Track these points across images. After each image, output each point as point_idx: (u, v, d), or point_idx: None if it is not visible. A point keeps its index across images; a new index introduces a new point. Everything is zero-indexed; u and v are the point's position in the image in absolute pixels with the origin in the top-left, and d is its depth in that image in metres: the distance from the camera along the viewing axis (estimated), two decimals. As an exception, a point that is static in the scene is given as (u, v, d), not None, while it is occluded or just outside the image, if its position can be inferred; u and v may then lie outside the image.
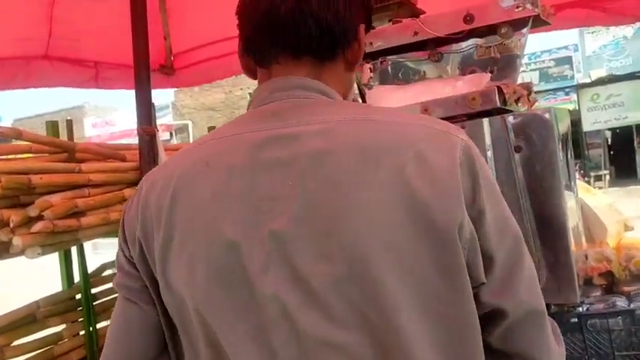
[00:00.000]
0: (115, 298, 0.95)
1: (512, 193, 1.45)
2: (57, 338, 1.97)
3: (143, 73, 1.67)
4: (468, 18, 1.58)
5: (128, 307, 0.88)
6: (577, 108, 17.30)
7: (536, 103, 1.69)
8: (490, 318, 0.80)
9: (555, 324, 0.88)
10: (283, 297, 0.74)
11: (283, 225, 0.75)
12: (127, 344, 0.88)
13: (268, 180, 0.77)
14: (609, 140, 19.49)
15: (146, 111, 1.64)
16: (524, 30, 1.62)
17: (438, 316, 0.74)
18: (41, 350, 1.89)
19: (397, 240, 0.73)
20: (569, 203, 1.51)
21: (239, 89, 19.48)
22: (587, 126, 17.49)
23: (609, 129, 18.56)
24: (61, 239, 1.72)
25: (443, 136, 0.79)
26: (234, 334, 0.77)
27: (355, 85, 2.02)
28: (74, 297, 2.05)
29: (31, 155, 1.83)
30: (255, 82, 0.93)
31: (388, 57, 1.88)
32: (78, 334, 2.04)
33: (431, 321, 0.74)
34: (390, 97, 1.67)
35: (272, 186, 0.76)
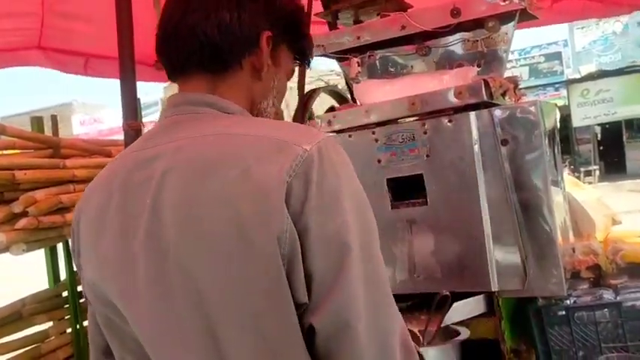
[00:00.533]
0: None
1: (499, 186, 1.45)
2: (43, 336, 1.96)
3: (128, 66, 1.65)
4: (455, 12, 1.57)
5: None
6: (567, 104, 17.39)
7: (524, 97, 1.69)
8: (307, 337, 0.76)
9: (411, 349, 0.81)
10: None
11: (140, 243, 0.79)
12: (99, 342, 0.93)
13: (133, 201, 0.81)
14: (599, 136, 19.62)
15: (131, 105, 1.62)
16: (511, 24, 1.62)
17: (260, 340, 0.74)
18: (27, 348, 1.87)
19: (220, 258, 0.74)
20: (556, 197, 1.52)
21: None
22: (576, 121, 17.61)
23: (599, 124, 18.68)
24: (46, 235, 1.71)
25: (281, 147, 0.76)
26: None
27: (344, 82, 2.02)
28: (60, 294, 2.04)
29: (15, 151, 1.81)
30: None
31: (376, 51, 1.87)
32: (65, 331, 2.02)
33: (253, 342, 0.74)
34: (377, 92, 1.66)
35: (135, 206, 0.81)
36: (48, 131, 1.97)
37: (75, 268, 0.95)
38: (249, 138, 0.79)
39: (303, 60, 1.01)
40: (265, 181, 0.74)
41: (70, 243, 0.95)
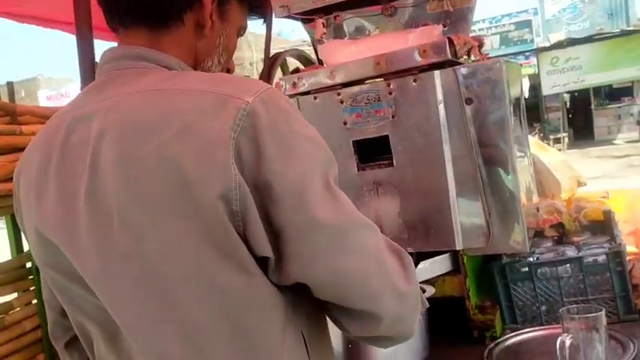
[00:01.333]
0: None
1: (463, 145, 1.45)
2: (8, 307, 1.91)
3: (85, 30, 1.60)
4: (420, -30, 1.55)
5: None
6: (537, 72, 17.55)
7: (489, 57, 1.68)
8: (304, 288, 0.77)
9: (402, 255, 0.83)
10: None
11: (82, 206, 0.76)
12: (55, 305, 0.94)
13: (71, 162, 0.79)
14: (568, 103, 19.89)
15: (89, 70, 1.57)
16: (476, -18, 1.60)
17: (218, 296, 0.74)
18: (-8, 320, 1.83)
19: (165, 218, 0.72)
20: (520, 156, 1.53)
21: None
22: (546, 89, 17.79)
23: (568, 92, 18.92)
24: (5, 203, 1.66)
25: (222, 102, 0.73)
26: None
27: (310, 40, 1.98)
28: (24, 265, 1.99)
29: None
30: None
31: (342, 12, 1.84)
32: (30, 302, 1.98)
33: (212, 301, 0.74)
34: (342, 52, 1.63)
35: (74, 169, 0.78)
36: (5, 99, 1.91)
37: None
38: (188, 93, 0.75)
39: (258, 15, 0.97)
40: (209, 138, 0.71)
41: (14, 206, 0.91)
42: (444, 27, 1.67)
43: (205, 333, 0.74)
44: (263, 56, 2.23)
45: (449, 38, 1.44)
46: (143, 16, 0.84)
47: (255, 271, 0.74)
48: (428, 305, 0.95)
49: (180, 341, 0.75)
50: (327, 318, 0.85)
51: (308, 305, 0.80)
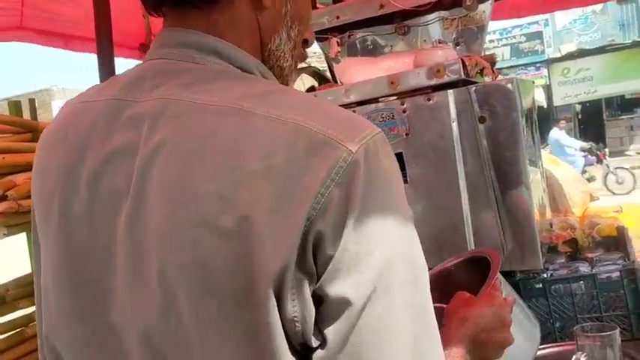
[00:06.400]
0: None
1: (477, 163, 1.47)
2: (27, 320, 1.95)
3: (105, 43, 1.64)
4: (433, -10, 1.58)
5: None
6: (548, 83, 17.52)
7: (501, 75, 1.71)
8: None
9: None
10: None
11: (122, 227, 0.61)
12: None
13: (112, 172, 0.63)
14: (579, 114, 19.80)
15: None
16: (489, 2, 1.63)
17: None
18: (12, 332, 1.87)
19: (201, 275, 0.56)
20: (534, 173, 1.54)
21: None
22: (557, 100, 17.73)
23: (579, 103, 18.84)
24: (27, 219, 1.69)
25: (316, 144, 0.56)
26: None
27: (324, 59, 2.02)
28: (44, 278, 2.03)
29: (-7, 136, 1.79)
30: None
31: (355, 31, 1.88)
32: (49, 315, 2.02)
33: None
34: (357, 71, 1.67)
35: (114, 180, 0.63)
36: (27, 116, 1.95)
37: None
38: (274, 124, 0.57)
39: None
40: (292, 188, 0.55)
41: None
42: (457, 45, 1.70)
43: None
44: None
45: (462, 59, 1.47)
46: None
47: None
48: None
49: None
50: None
51: None
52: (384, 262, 0.56)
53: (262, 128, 0.57)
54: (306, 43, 0.77)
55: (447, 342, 0.80)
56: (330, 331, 0.56)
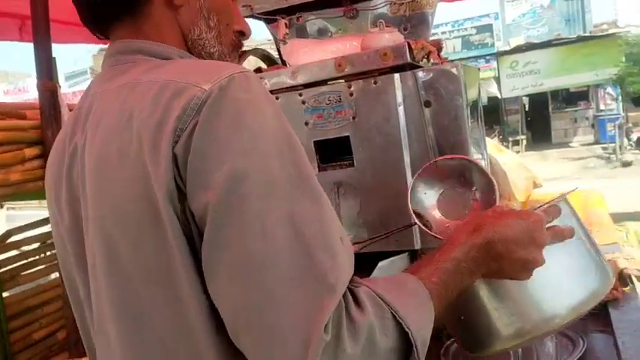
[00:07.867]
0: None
1: (422, 148, 1.48)
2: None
3: (41, 24, 1.56)
4: (381, -27, 1.57)
5: None
6: (497, 75, 17.94)
7: (448, 61, 1.72)
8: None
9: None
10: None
11: (85, 209, 0.77)
12: None
13: (74, 163, 0.80)
14: (526, 106, 20.39)
15: (46, 65, 1.54)
16: (436, -13, 1.63)
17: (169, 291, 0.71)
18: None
19: (125, 218, 0.71)
20: (478, 158, 1.56)
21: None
22: (505, 92, 18.20)
23: (526, 95, 19.39)
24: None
25: (179, 92, 0.68)
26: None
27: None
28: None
29: None
30: None
31: (304, 13, 1.85)
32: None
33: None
34: (304, 52, 1.64)
35: (74, 168, 0.80)
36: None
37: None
38: (149, 85, 0.72)
39: None
40: (162, 127, 0.67)
41: None
42: (405, 30, 1.70)
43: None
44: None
45: (408, 43, 1.47)
46: (108, 12, 0.80)
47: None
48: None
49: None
50: None
51: None
52: (233, 174, 0.64)
53: (143, 90, 0.71)
54: (243, 35, 0.88)
55: (442, 246, 0.80)
56: (205, 237, 0.66)
